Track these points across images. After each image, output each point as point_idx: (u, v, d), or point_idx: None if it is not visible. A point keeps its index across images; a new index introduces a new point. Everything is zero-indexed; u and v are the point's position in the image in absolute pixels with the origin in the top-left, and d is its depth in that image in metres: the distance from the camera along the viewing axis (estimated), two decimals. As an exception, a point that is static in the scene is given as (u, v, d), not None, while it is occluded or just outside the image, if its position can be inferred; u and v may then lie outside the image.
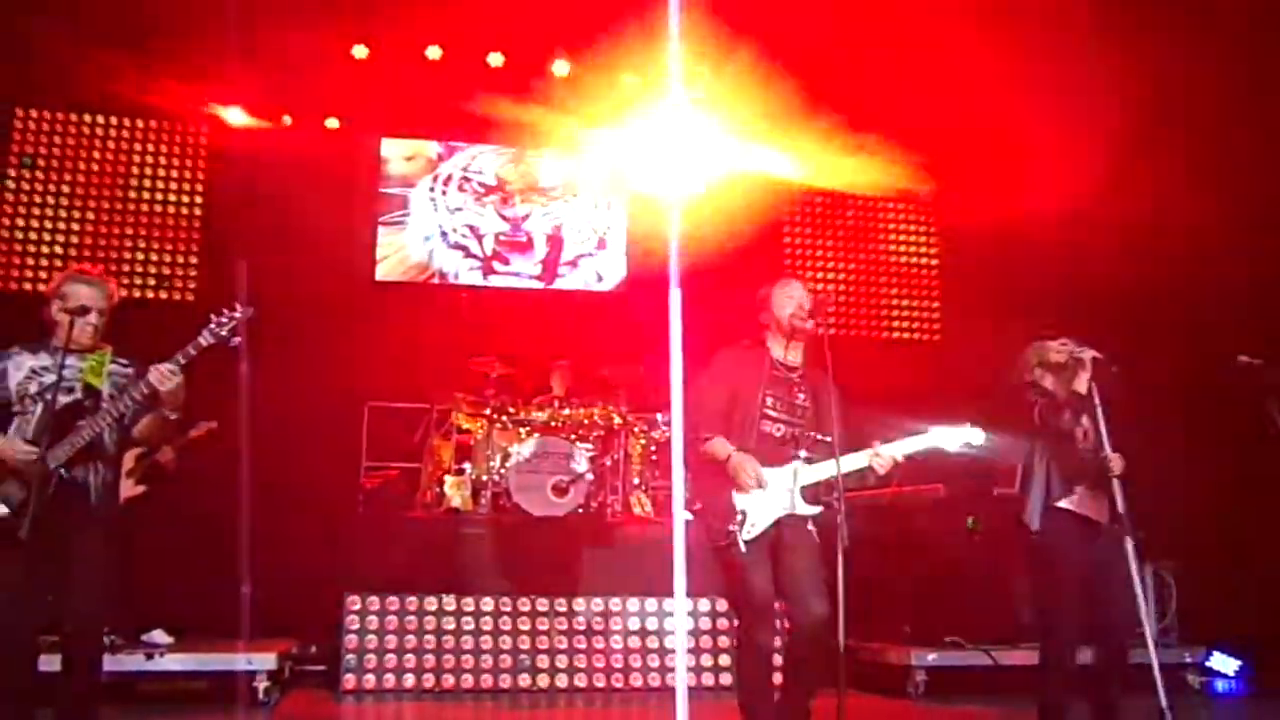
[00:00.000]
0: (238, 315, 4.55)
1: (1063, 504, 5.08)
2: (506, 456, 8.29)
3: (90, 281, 4.63)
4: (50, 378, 4.46)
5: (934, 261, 11.56)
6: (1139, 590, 4.89)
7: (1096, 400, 5.04)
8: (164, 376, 4.40)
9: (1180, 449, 8.45)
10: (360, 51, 10.14)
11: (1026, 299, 9.63)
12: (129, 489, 6.52)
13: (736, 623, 4.61)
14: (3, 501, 4.37)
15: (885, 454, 4.49)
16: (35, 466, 4.18)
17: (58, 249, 9.79)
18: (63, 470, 4.39)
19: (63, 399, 4.48)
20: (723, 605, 7.76)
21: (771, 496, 4.45)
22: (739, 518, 4.39)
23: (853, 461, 4.43)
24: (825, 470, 4.48)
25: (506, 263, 10.94)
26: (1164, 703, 4.52)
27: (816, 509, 4.50)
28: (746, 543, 4.38)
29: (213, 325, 4.53)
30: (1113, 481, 4.97)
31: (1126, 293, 9.81)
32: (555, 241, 11.06)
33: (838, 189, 11.38)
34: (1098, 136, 8.65)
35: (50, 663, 4.53)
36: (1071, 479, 5.08)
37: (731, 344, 4.78)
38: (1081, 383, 5.04)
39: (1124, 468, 4.95)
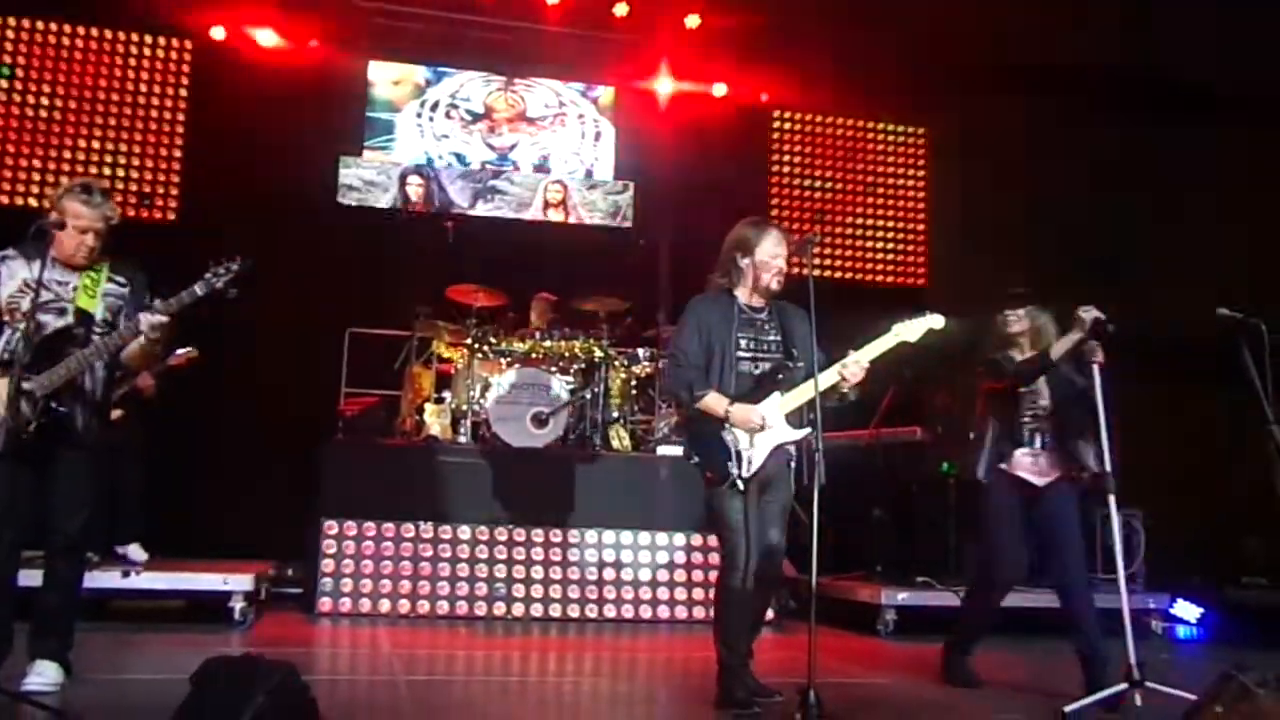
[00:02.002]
0: (235, 268, 4.48)
1: (1002, 465, 5.25)
2: (487, 387, 8.30)
3: (90, 200, 4.50)
4: (44, 295, 4.37)
5: (921, 204, 11.51)
6: (1116, 539, 4.97)
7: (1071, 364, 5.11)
8: (156, 324, 4.36)
9: (1153, 397, 8.56)
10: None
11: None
12: None
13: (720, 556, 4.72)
14: None
15: (852, 361, 4.60)
16: (11, 388, 4.13)
17: (35, 162, 9.64)
18: (51, 401, 4.37)
19: (55, 322, 4.45)
20: (697, 540, 7.87)
21: (762, 433, 4.57)
22: (735, 456, 4.52)
23: (825, 379, 4.53)
24: (803, 393, 4.59)
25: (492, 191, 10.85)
26: (1133, 658, 4.60)
27: (805, 430, 4.61)
28: (745, 480, 4.52)
29: (209, 276, 4.46)
30: (1068, 439, 5.13)
31: (1107, 239, 9.94)
32: (542, 172, 10.97)
33: (828, 115, 11.34)
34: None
35: (31, 579, 4.57)
36: (1010, 442, 5.23)
37: (702, 292, 4.89)
38: (1058, 347, 5.09)
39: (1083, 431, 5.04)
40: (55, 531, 4.48)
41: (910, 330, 4.73)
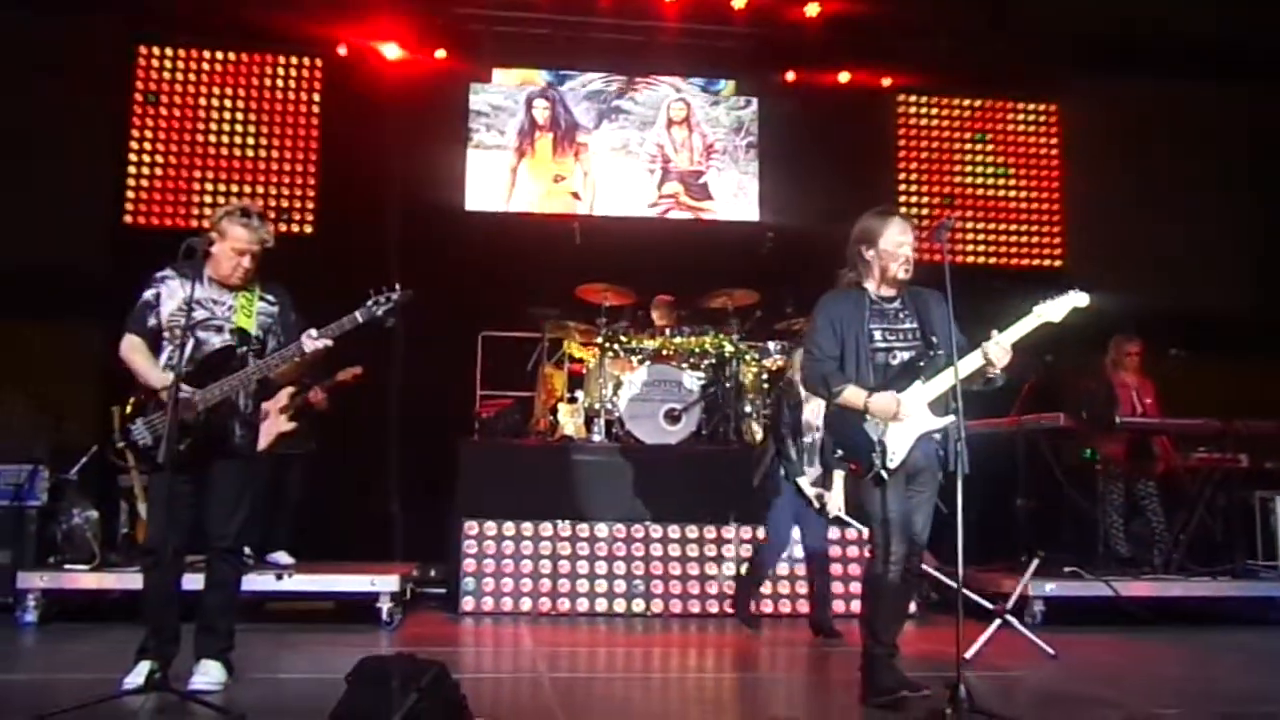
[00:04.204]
0: (395, 298, 4.65)
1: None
2: (619, 385, 8.35)
3: (249, 224, 4.70)
4: (200, 313, 4.63)
5: (1056, 183, 11.16)
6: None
7: None
8: (318, 350, 4.61)
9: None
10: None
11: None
12: (282, 424, 6.78)
13: (869, 549, 4.65)
14: (149, 431, 4.59)
15: (994, 343, 4.47)
16: (172, 405, 4.32)
17: (181, 184, 10.02)
18: (211, 415, 4.58)
19: (214, 340, 4.67)
20: (834, 533, 7.78)
21: (904, 422, 4.49)
22: (879, 448, 4.47)
23: (969, 363, 4.44)
24: (945, 380, 4.49)
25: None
26: None
27: (948, 417, 4.50)
28: (890, 471, 4.47)
29: (370, 304, 4.66)
30: None
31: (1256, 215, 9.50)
32: (665, 171, 10.99)
33: (955, 96, 11.10)
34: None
35: (194, 582, 4.79)
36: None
37: (833, 287, 4.83)
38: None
39: None
40: (214, 536, 4.69)
41: (1053, 310, 4.55)
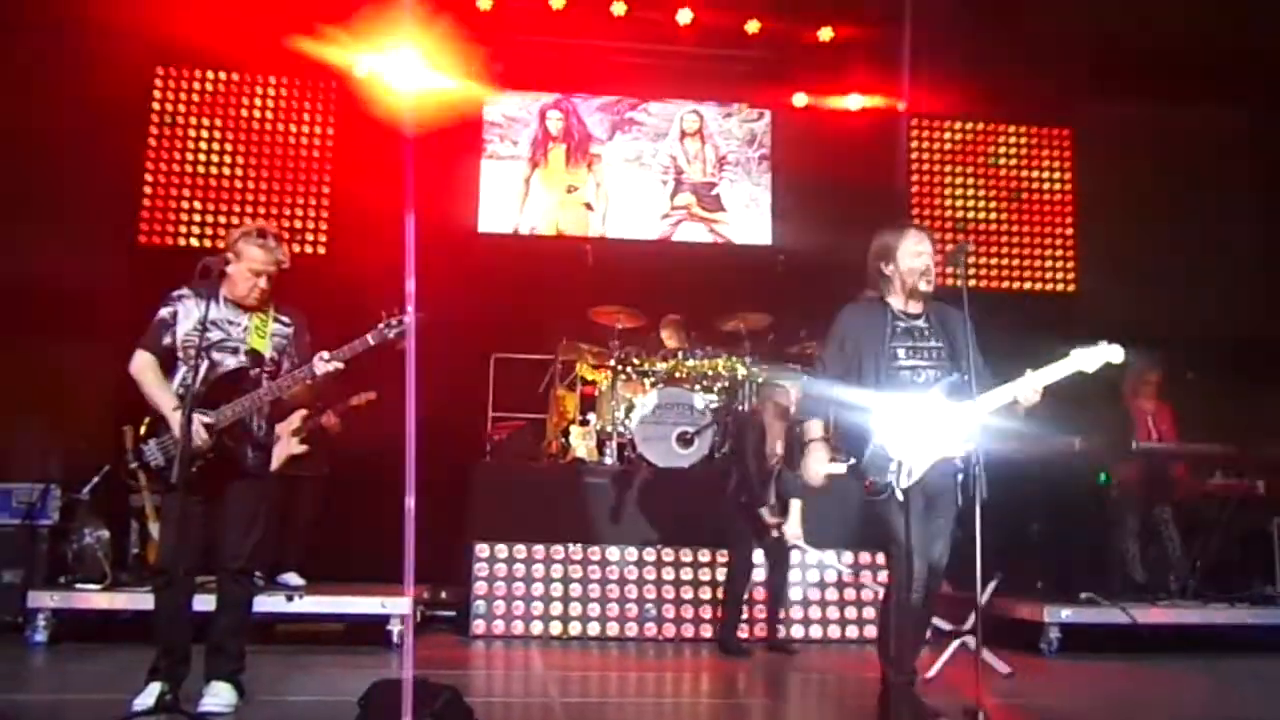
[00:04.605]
0: (406, 320, 4.70)
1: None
2: (631, 408, 8.34)
3: (265, 245, 4.71)
4: (216, 334, 4.64)
5: (1069, 208, 11.13)
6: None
7: None
8: (329, 372, 4.65)
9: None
10: (484, 2, 10.14)
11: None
12: (293, 447, 6.77)
13: (886, 575, 4.59)
14: (161, 452, 4.58)
15: (1027, 383, 4.39)
16: (185, 425, 4.32)
17: (196, 204, 10.04)
18: (222, 437, 4.58)
19: (229, 361, 4.67)
20: (849, 558, 7.74)
21: (925, 442, 4.40)
22: (895, 466, 4.37)
23: (997, 397, 4.38)
24: (973, 407, 4.39)
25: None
26: None
27: (969, 446, 4.38)
28: (905, 491, 4.37)
29: (381, 326, 4.73)
30: None
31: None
32: (678, 182, 11.00)
33: (967, 121, 11.09)
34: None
35: (205, 603, 4.75)
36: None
37: (853, 301, 4.75)
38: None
39: None
40: (227, 556, 4.68)
41: (1088, 359, 4.44)
